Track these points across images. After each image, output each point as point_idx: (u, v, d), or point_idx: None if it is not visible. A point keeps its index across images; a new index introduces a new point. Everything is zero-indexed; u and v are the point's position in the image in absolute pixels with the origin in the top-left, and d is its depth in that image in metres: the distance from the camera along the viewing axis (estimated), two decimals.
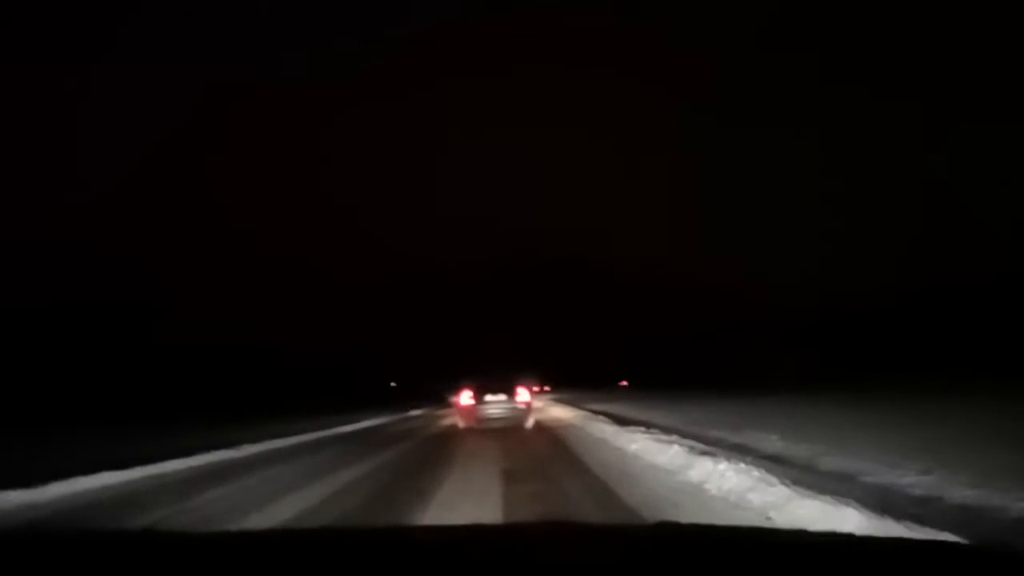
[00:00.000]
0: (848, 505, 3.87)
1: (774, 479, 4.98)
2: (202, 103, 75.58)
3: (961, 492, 4.57)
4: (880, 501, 4.31)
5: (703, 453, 6.77)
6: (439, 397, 37.93)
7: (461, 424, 14.06)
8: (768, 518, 4.23)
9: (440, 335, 66.26)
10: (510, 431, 12.78)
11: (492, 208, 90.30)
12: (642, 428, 10.58)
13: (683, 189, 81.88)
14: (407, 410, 28.23)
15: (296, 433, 14.64)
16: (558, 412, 21.81)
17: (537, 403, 22.66)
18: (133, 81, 71.91)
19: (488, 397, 13.65)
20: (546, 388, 66.12)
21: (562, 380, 65.80)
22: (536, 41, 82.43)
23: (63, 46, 61.27)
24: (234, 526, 4.79)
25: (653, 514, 4.51)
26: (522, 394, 13.76)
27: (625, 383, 65.20)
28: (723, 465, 5.76)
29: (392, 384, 67.23)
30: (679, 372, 50.06)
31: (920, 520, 3.53)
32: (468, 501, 5.32)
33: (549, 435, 11.90)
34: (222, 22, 75.53)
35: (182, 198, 64.39)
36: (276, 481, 7.29)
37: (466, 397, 13.76)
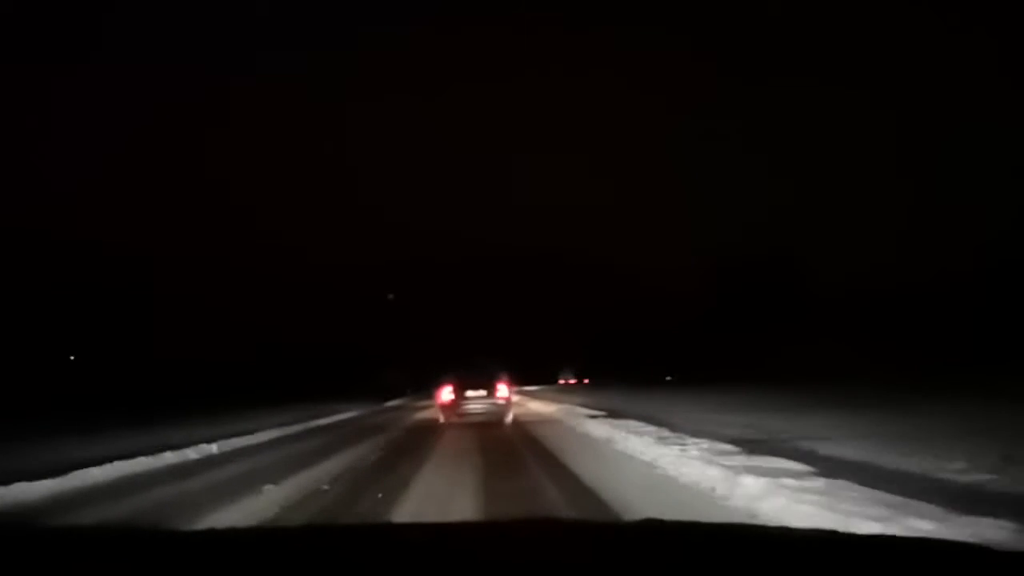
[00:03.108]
0: None
1: None
2: (201, 102, 75.09)
3: None
4: None
5: None
6: (404, 390, 38.20)
7: (441, 419, 13.90)
8: None
9: (419, 326, 63.83)
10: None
11: (489, 206, 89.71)
12: None
13: (681, 185, 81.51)
14: (380, 403, 27.78)
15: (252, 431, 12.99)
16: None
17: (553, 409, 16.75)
18: (127, 80, 71.45)
19: (468, 392, 13.54)
20: (585, 381, 56.03)
21: (592, 375, 59.57)
22: (534, 42, 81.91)
23: (51, 45, 60.69)
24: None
25: None
26: (502, 390, 13.61)
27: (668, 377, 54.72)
28: None
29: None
30: (695, 367, 48.56)
31: None
32: None
33: None
34: (220, 21, 75.12)
35: (176, 195, 63.74)
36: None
37: (446, 392, 13.66)
